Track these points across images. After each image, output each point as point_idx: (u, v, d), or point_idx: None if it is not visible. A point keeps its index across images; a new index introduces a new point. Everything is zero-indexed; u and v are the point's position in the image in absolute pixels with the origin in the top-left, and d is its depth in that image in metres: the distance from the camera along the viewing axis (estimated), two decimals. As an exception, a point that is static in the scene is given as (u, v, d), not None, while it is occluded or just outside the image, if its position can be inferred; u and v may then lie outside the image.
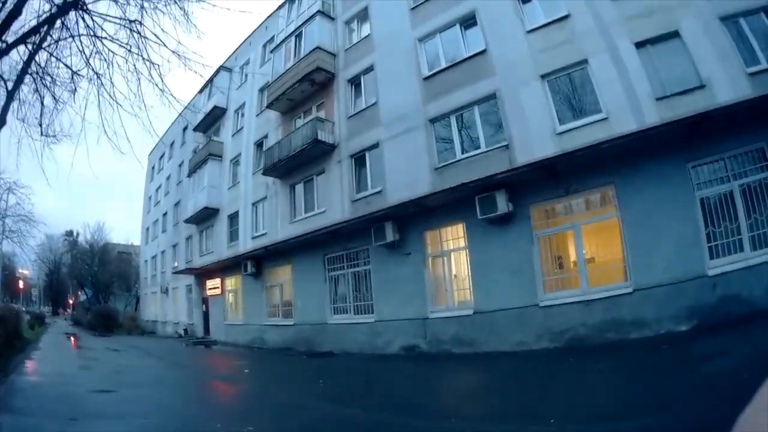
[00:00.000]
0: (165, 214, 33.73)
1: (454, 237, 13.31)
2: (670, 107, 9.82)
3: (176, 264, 30.31)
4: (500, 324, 11.35)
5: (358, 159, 16.41)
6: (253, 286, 21.13)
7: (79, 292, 59.31)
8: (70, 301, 66.66)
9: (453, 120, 13.59)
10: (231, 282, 23.82)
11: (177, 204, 31.36)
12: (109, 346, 21.48)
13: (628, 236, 10.06)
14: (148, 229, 38.08)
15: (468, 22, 14.03)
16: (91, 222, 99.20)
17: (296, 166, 18.54)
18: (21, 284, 54.68)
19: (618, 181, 10.27)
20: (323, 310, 16.68)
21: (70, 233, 58.35)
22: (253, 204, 22.08)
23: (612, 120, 10.55)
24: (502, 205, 11.23)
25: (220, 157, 25.63)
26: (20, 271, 52.62)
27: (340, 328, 15.94)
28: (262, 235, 20.87)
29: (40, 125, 9.18)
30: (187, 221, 27.52)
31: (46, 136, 9.32)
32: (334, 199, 16.88)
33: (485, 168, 11.71)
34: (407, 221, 13.81)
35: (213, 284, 24.77)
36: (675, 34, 10.27)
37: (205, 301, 26.25)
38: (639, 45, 10.62)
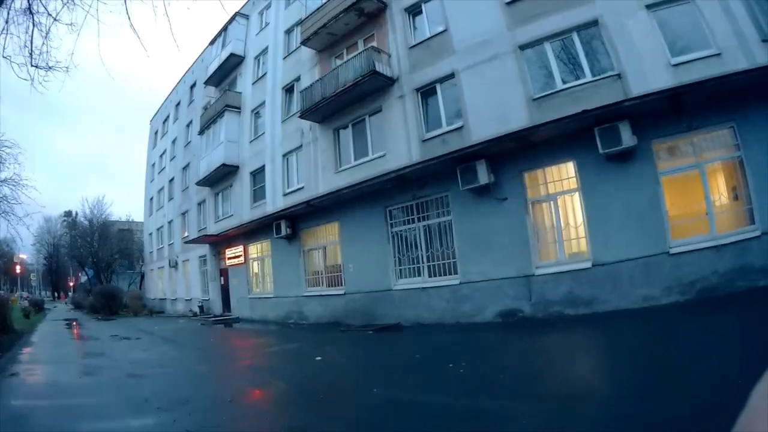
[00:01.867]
0: (172, 180, 30.62)
1: (560, 178, 11.23)
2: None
3: (186, 233, 27.23)
4: (624, 277, 9.75)
5: (426, 93, 14.03)
6: (287, 250, 18.07)
7: (80, 274, 56.99)
8: (71, 284, 64.07)
9: (548, 47, 11.68)
10: (256, 248, 20.67)
11: (186, 167, 28.31)
12: (115, 333, 18.15)
13: (752, 177, 9.10)
14: (151, 199, 34.89)
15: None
16: (90, 197, 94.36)
17: (343, 105, 15.86)
18: (18, 269, 51.70)
19: (739, 119, 9.26)
20: (385, 275, 14.03)
21: (68, 213, 55.21)
22: (284, 155, 19.07)
23: (725, 57, 9.52)
24: (627, 137, 9.64)
25: (239, 108, 22.52)
26: (18, 255, 50.05)
27: (410, 294, 13.31)
28: (298, 189, 17.88)
29: (31, 54, 7.46)
30: (199, 183, 24.28)
31: (36, 67, 7.70)
32: (396, 141, 14.40)
33: (592, 99, 10.25)
34: (501, 161, 11.56)
35: (233, 252, 21.60)
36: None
37: (222, 273, 23.13)
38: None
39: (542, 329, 9.75)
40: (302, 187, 17.68)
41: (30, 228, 17.62)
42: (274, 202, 18.98)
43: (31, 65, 7.44)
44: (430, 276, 13.10)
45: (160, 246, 32.54)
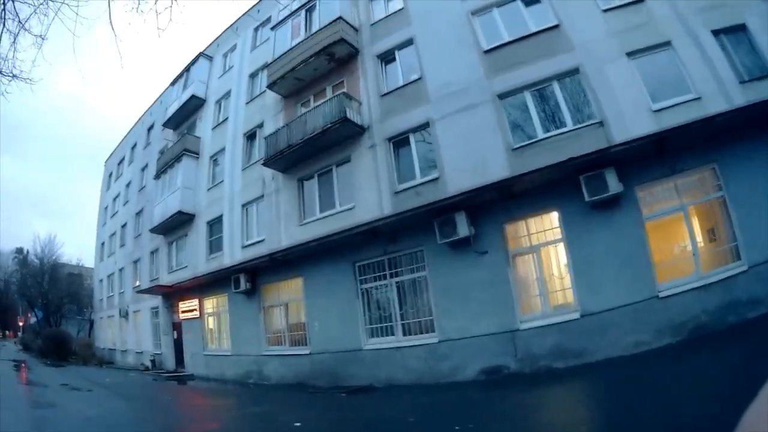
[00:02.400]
0: (124, 226, 29.18)
1: (543, 228, 11.17)
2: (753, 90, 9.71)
3: (138, 283, 25.79)
4: (613, 325, 9.60)
5: (399, 142, 13.86)
6: (246, 306, 17.07)
7: (29, 314, 54.41)
8: (20, 323, 61.60)
9: (528, 96, 11.84)
10: (212, 302, 19.54)
11: (139, 213, 27.10)
12: (65, 382, 16.75)
13: (736, 214, 9.42)
14: (103, 244, 33.15)
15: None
16: (42, 234, 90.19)
17: (310, 154, 15.47)
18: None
19: (720, 159, 9.64)
20: (354, 333, 13.30)
21: (20, 250, 52.61)
22: (244, 206, 18.33)
23: (705, 101, 10.06)
24: (614, 184, 9.71)
25: (197, 154, 21.77)
26: None
27: (382, 354, 12.62)
28: (259, 242, 17.10)
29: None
30: (153, 230, 23.12)
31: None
32: (365, 193, 14.00)
33: (573, 147, 10.28)
34: (481, 212, 11.31)
35: (187, 306, 20.35)
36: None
37: (176, 326, 21.74)
38: (715, 33, 10.47)
39: (532, 385, 9.42)
40: (263, 240, 16.91)
41: None
42: (232, 254, 18.07)
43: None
44: (404, 334, 12.47)
45: (111, 294, 30.71)
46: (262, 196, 17.40)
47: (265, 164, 16.39)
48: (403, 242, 12.65)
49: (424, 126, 13.18)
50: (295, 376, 14.70)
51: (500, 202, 11.11)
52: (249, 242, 17.59)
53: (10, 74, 7.23)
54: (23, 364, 24.37)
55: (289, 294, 15.98)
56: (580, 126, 10.96)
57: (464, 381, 10.75)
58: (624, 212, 9.98)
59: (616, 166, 9.71)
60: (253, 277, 16.60)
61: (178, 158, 21.66)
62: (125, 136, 32.67)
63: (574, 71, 11.33)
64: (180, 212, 20.63)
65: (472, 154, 11.95)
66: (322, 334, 14.16)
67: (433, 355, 11.59)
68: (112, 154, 34.80)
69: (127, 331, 27.41)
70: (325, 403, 11.33)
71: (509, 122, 11.90)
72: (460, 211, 11.09)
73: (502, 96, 12.02)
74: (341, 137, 14.59)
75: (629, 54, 10.90)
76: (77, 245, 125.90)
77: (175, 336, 21.66)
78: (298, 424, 8.44)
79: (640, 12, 11.14)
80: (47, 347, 29.78)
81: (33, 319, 51.53)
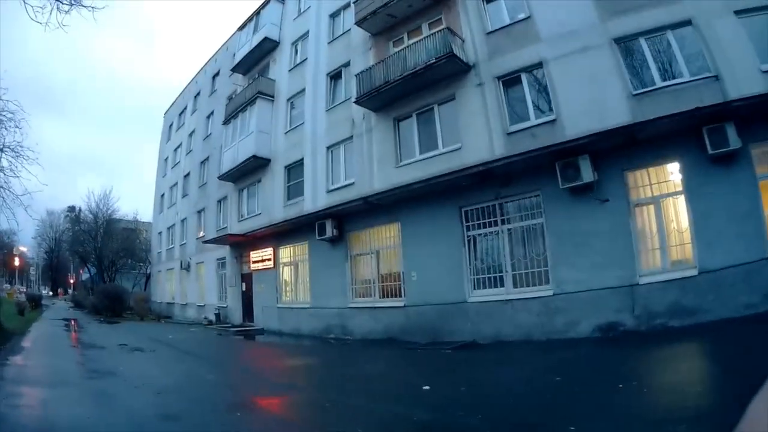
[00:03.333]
0: (187, 176, 28.34)
1: (664, 179, 10.19)
2: None
3: (203, 233, 24.89)
4: (726, 284, 8.82)
5: (508, 82, 12.44)
6: (330, 255, 15.80)
7: (81, 271, 54.91)
8: (71, 281, 62.81)
9: (644, 43, 10.74)
10: (289, 252, 18.33)
11: (204, 161, 26.17)
12: (124, 341, 14.97)
13: None
14: (163, 195, 32.51)
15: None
16: (96, 189, 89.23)
17: (408, 92, 13.98)
18: (17, 262, 49.59)
19: None
20: (458, 284, 12.04)
21: (72, 209, 51.50)
22: (329, 148, 16.93)
23: None
24: (733, 139, 8.97)
25: (272, 97, 20.42)
26: (18, 248, 48.22)
27: (489, 307, 11.48)
28: (347, 186, 15.80)
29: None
30: (222, 177, 21.98)
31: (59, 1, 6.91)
32: (474, 133, 12.59)
33: (692, 100, 9.42)
34: (601, 157, 10.32)
35: (260, 255, 19.20)
36: None
37: (245, 278, 20.76)
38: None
39: (652, 343, 8.59)
40: (352, 183, 15.60)
41: (29, 209, 14.71)
42: (315, 199, 16.76)
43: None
44: (515, 286, 11.29)
45: (171, 246, 30.08)
46: (351, 137, 16.02)
47: (357, 102, 14.97)
48: (517, 186, 11.48)
49: (537, 66, 11.86)
50: (384, 330, 13.54)
51: (621, 148, 10.19)
52: (335, 186, 16.27)
53: (70, 2, 6.73)
54: (75, 323, 23.27)
55: (381, 241, 14.71)
56: (695, 78, 9.95)
57: (577, 338, 9.89)
58: (740, 169, 9.20)
59: (735, 122, 8.95)
60: (339, 223, 15.34)
61: (251, 102, 20.36)
62: (186, 86, 31.78)
63: (687, 23, 10.26)
64: (255, 157, 19.40)
65: (591, 97, 10.82)
66: (421, 285, 12.91)
67: (546, 309, 10.59)
68: (172, 105, 34.05)
69: (189, 283, 26.67)
70: (435, 361, 10.15)
71: (626, 67, 10.78)
72: (583, 155, 10.11)
73: (618, 40, 10.87)
74: (445, 74, 13.16)
75: (737, 12, 9.76)
76: (130, 203, 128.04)
77: (244, 288, 20.66)
78: (426, 387, 7.08)
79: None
80: (101, 303, 28.44)
81: (85, 276, 51.88)
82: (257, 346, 15.58)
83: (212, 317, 22.05)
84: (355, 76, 15.24)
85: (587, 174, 10.02)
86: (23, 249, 54.23)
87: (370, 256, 14.94)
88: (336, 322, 15.24)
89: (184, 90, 32.20)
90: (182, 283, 27.69)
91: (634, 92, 10.46)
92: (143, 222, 43.85)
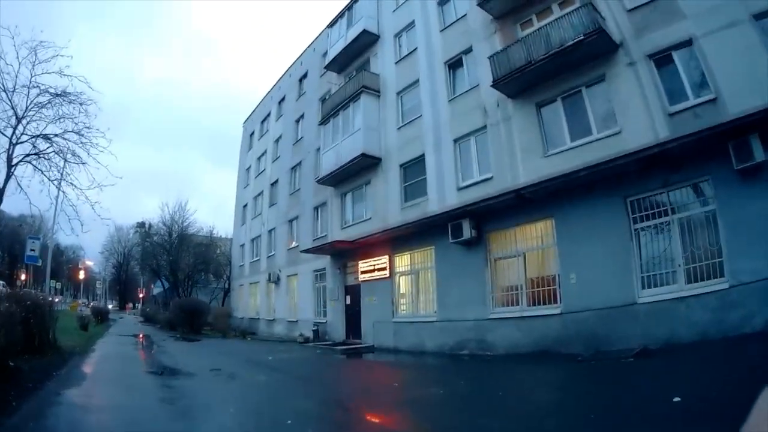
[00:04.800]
0: (275, 183, 27.23)
1: None
2: None
3: (295, 243, 23.44)
4: None
5: (660, 61, 11.07)
6: (464, 259, 13.83)
7: (152, 285, 55.35)
8: (140, 295, 62.88)
9: None
10: (407, 259, 16.44)
11: (296, 167, 25.02)
12: (215, 365, 12.11)
13: None
14: (245, 206, 31.61)
15: None
16: (171, 203, 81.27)
17: (551, 74, 12.40)
18: (82, 275, 49.75)
19: None
20: (625, 284, 10.48)
21: (141, 224, 52.04)
22: (456, 141, 15.09)
23: None
24: None
25: (377, 91, 18.72)
26: (84, 261, 48.55)
27: (660, 307, 9.94)
28: (483, 181, 13.93)
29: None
30: (321, 182, 20.46)
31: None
32: (631, 115, 11.14)
33: None
34: None
35: (371, 265, 17.36)
36: None
37: (348, 290, 18.97)
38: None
39: None
40: (490, 178, 13.72)
41: (96, 207, 13.01)
42: (443, 198, 14.92)
43: None
44: (688, 282, 9.84)
45: (255, 258, 28.87)
46: (484, 127, 14.20)
47: (494, 85, 13.18)
48: (685, 172, 10.11)
49: (687, 43, 10.60)
50: (534, 342, 11.69)
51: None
52: (467, 183, 14.42)
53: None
54: (147, 341, 20.65)
55: (529, 241, 12.77)
56: None
57: (752, 333, 8.47)
58: None
59: None
60: (477, 223, 13.27)
61: (353, 98, 18.81)
62: (268, 93, 31.23)
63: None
64: (363, 155, 17.70)
65: (749, 73, 9.40)
66: (581, 287, 11.17)
67: (722, 303, 9.23)
68: (252, 113, 33.69)
69: (278, 298, 25.13)
70: (622, 377, 8.22)
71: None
72: (753, 134, 8.84)
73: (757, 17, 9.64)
74: (592, 53, 11.72)
75: None
76: (204, 219, 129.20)
77: (348, 302, 18.78)
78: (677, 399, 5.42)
79: None
80: (177, 318, 26.52)
81: (157, 290, 51.93)
82: (381, 368, 13.43)
83: (309, 334, 20.28)
84: (489, 58, 13.50)
85: (758, 153, 8.78)
86: (89, 263, 54.85)
87: (515, 259, 12.91)
88: (471, 336, 13.22)
89: (265, 97, 31.58)
90: (269, 297, 26.25)
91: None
92: (219, 237, 43.05)
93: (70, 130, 13.01)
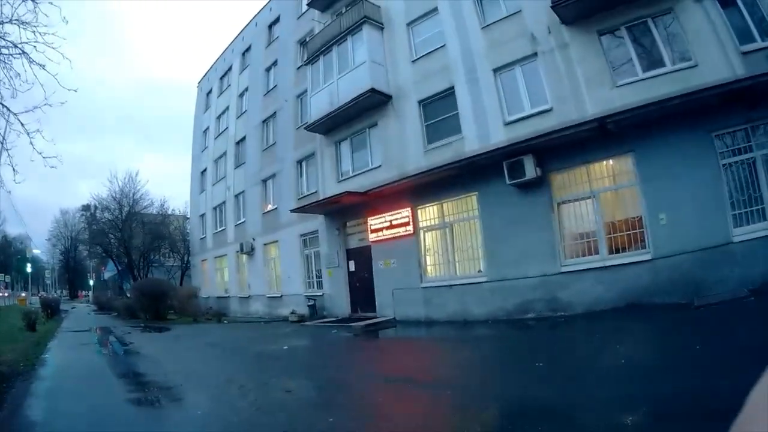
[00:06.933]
0: (241, 141, 24.05)
1: None
2: None
3: (271, 206, 20.61)
4: None
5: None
6: (522, 205, 11.76)
7: (102, 269, 51.33)
8: (91, 282, 60.08)
9: None
10: (435, 210, 14.01)
11: (269, 119, 21.86)
12: (214, 369, 9.16)
13: None
14: (204, 171, 28.07)
15: None
16: (120, 173, 70.58)
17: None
18: (29, 268, 47.56)
19: None
20: (718, 223, 9.54)
21: (86, 207, 47.56)
22: (497, 70, 12.85)
23: None
24: None
25: (381, 24, 16.02)
26: (30, 250, 47.59)
27: (755, 246, 8.98)
28: (540, 113, 11.89)
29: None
30: (311, 128, 17.50)
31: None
32: (705, 50, 9.95)
33: None
34: None
35: (388, 220, 14.84)
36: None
37: (350, 254, 16.40)
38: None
39: None
40: (549, 110, 11.73)
41: (38, 138, 8.27)
42: (484, 136, 12.71)
43: None
44: None
45: (220, 228, 25.57)
46: (534, 54, 12.11)
47: (554, 6, 11.08)
48: (764, 108, 9.26)
49: None
50: (620, 296, 10.14)
51: None
52: (516, 117, 12.28)
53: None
54: (110, 337, 16.38)
55: (605, 179, 11.08)
56: None
57: None
58: None
59: None
60: (538, 161, 11.14)
61: (352, 30, 16.01)
62: (228, 45, 27.66)
63: None
64: (373, 90, 14.99)
65: None
66: (672, 229, 9.96)
67: None
68: (208, 71, 30.25)
69: (253, 271, 22.11)
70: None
71: None
72: None
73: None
74: None
75: None
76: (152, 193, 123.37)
77: (352, 268, 16.20)
78: None
79: None
80: (139, 303, 22.68)
81: (109, 274, 47.73)
82: (468, 353, 9.27)
83: (303, 310, 17.41)
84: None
85: None
86: (36, 251, 52.31)
87: (587, 201, 11.07)
88: (537, 295, 11.26)
89: (225, 51, 28.12)
90: (241, 271, 23.22)
91: None
92: (171, 213, 39.04)
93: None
